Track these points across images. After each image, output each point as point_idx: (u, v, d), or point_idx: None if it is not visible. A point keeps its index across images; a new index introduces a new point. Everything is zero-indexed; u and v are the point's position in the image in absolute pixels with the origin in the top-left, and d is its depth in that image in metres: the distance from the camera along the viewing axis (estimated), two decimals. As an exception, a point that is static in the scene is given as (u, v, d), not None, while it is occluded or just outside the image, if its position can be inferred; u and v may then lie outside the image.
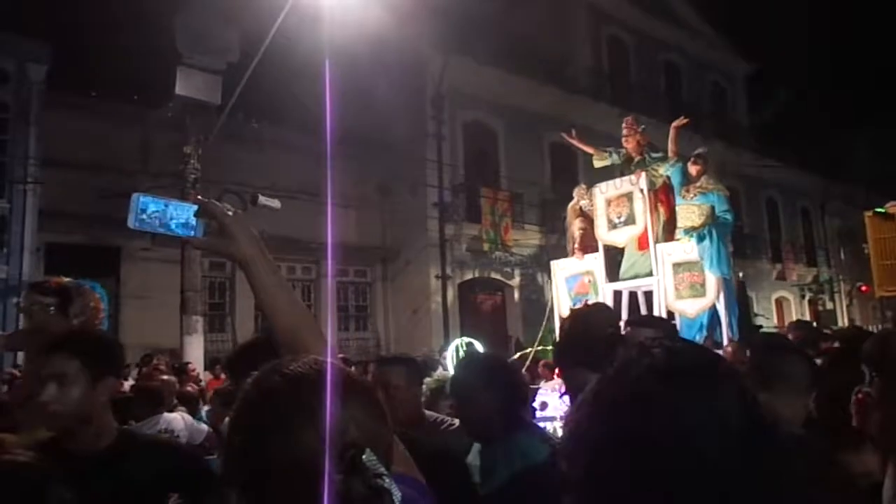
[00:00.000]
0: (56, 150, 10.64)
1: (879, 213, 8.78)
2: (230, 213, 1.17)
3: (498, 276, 15.34)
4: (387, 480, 0.72)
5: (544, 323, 8.32)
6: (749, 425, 0.62)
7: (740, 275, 16.61)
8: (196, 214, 1.17)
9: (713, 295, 6.46)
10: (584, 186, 8.10)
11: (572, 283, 7.89)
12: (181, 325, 10.03)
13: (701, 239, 6.49)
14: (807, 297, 22.07)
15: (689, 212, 6.82)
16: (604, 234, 7.41)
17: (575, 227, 7.96)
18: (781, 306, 21.80)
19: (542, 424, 4.50)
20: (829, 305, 22.55)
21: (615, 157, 7.46)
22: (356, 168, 13.18)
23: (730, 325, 6.44)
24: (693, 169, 7.05)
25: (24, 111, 10.73)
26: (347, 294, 14.96)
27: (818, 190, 24.05)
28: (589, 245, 7.72)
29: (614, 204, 7.31)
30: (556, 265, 8.21)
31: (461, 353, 7.10)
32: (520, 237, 15.14)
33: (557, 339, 2.53)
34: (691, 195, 6.93)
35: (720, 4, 23.77)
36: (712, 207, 6.79)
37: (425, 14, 13.82)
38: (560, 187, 13.40)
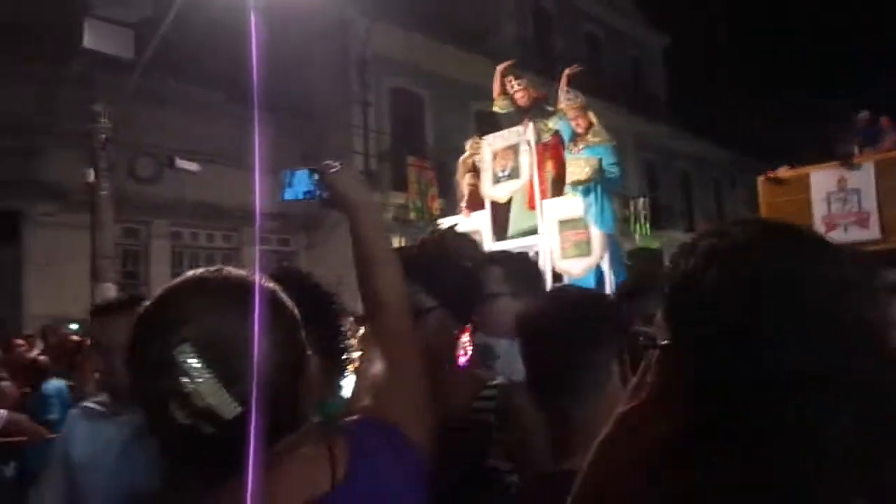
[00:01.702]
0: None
1: (771, 178, 9.34)
2: (334, 170, 1.26)
3: (424, 245, 15.35)
4: (186, 383, 0.83)
5: None
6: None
7: (657, 245, 17.33)
8: (311, 179, 1.28)
9: (598, 252, 6.10)
10: (477, 138, 7.48)
11: None
12: (92, 293, 9.56)
13: (586, 193, 6.14)
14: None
15: (577, 166, 6.39)
16: (488, 189, 6.94)
17: (465, 182, 7.42)
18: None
19: None
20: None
21: (509, 105, 7.05)
22: (280, 133, 12.81)
23: (613, 285, 5.95)
24: (578, 123, 6.51)
25: None
26: (270, 263, 14.62)
27: (728, 162, 25.25)
28: (478, 202, 7.16)
29: (500, 157, 6.90)
30: (443, 224, 7.69)
31: None
32: (446, 206, 15.19)
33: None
34: (578, 149, 6.46)
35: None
36: (599, 160, 6.29)
37: (351, -25, 13.47)
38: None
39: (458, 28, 16.06)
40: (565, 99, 6.64)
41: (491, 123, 7.96)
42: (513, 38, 18.26)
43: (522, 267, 2.17)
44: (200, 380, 0.83)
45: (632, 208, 18.97)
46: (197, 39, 9.95)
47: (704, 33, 29.30)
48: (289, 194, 1.30)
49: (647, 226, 18.37)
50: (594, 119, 6.51)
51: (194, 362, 0.83)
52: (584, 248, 6.18)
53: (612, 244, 6.20)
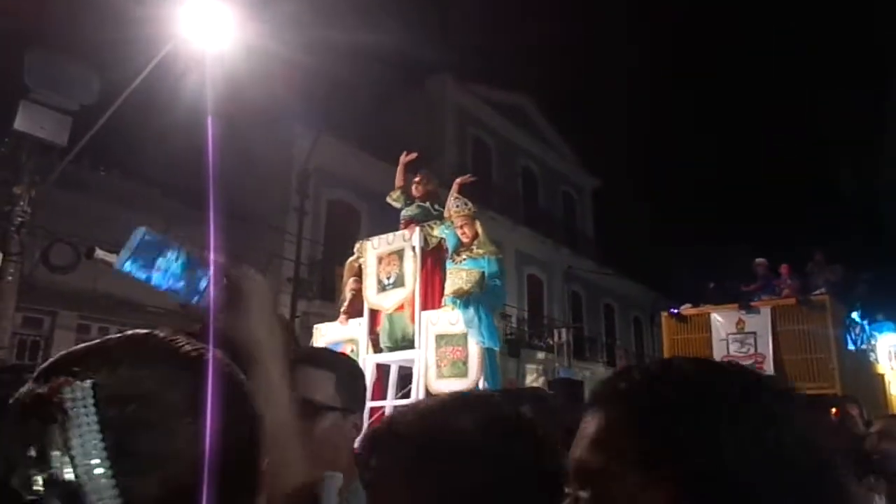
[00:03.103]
0: None
1: (674, 314, 9.67)
2: (252, 279, 0.93)
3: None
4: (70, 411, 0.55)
5: None
6: None
7: (580, 376, 17.46)
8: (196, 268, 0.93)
9: (475, 373, 5.47)
10: (365, 241, 6.82)
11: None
12: (-24, 386, 8.71)
13: (465, 306, 5.57)
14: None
15: (458, 277, 5.88)
16: (372, 297, 6.29)
17: (348, 287, 6.74)
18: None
19: None
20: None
21: (402, 197, 6.62)
22: (207, 233, 12.56)
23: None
24: (464, 232, 5.99)
25: None
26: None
27: (649, 300, 26.28)
28: (359, 308, 6.52)
29: (385, 262, 6.31)
30: (318, 330, 6.87)
31: None
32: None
33: None
34: (461, 258, 5.95)
35: (572, 120, 26.21)
36: (482, 273, 5.84)
37: (301, 93, 13.89)
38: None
39: (400, 150, 16.63)
40: (454, 206, 6.14)
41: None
42: (453, 164, 19.02)
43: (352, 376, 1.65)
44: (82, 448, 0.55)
45: (556, 338, 19.29)
46: (134, 133, 9.88)
47: (632, 180, 31.46)
48: (153, 278, 0.94)
49: (570, 357, 18.56)
50: (480, 230, 6.04)
51: (85, 418, 0.56)
52: (460, 368, 5.57)
53: (492, 363, 5.60)
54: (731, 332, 9.66)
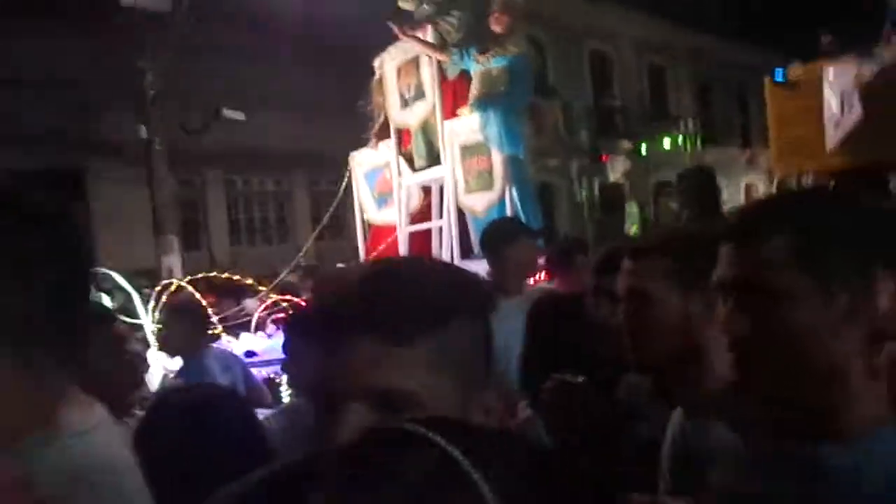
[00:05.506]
0: (2, 70, 10.12)
1: (779, 82, 7.32)
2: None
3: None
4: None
5: None
6: None
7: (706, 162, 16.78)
8: None
9: (500, 185, 4.91)
10: (383, 54, 5.85)
11: (373, 179, 6.17)
12: (156, 245, 9.97)
13: (483, 109, 4.90)
14: (775, 181, 22.35)
15: (486, 77, 5.02)
16: (396, 114, 5.63)
17: (376, 107, 5.98)
18: (750, 192, 22.19)
19: None
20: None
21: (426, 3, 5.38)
22: (325, 74, 12.76)
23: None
24: (497, 24, 4.95)
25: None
26: (320, 205, 14.90)
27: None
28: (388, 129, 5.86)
29: (404, 73, 5.53)
30: (353, 158, 6.33)
31: None
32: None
33: None
34: (489, 55, 5.00)
35: None
36: (508, 71, 4.97)
37: None
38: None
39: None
40: None
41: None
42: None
43: None
44: None
45: (682, 128, 18.37)
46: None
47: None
48: None
49: (698, 144, 17.63)
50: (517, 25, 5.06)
51: None
52: (486, 180, 5.02)
53: (517, 171, 4.94)
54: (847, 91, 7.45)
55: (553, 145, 16.13)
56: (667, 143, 17.92)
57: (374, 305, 0.68)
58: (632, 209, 17.19)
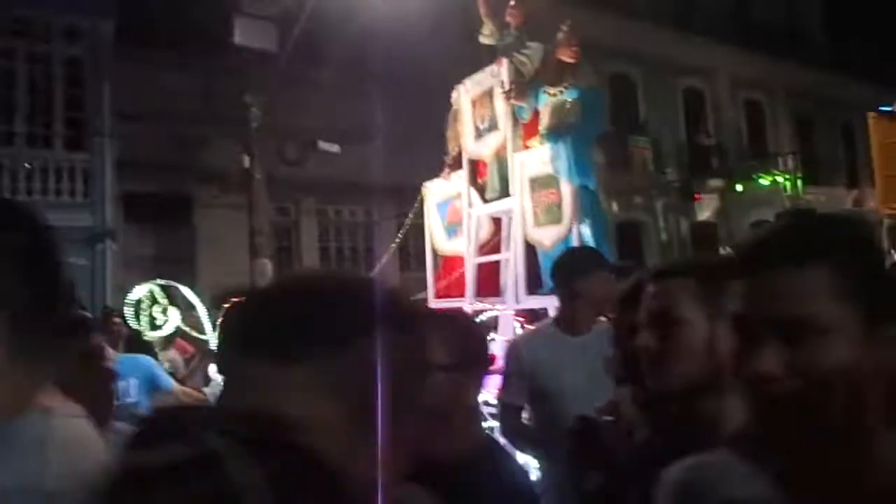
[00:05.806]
0: (127, 103, 11.13)
1: (885, 111, 7.08)
2: None
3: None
4: None
5: None
6: None
7: (808, 200, 16.03)
8: None
9: (569, 217, 4.78)
10: (458, 86, 6.04)
11: (444, 209, 6.21)
12: (251, 268, 10.54)
13: (555, 140, 4.85)
14: (885, 223, 20.99)
15: (558, 109, 5.02)
16: (470, 145, 5.73)
17: (451, 139, 6.07)
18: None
19: None
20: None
21: (506, 37, 5.48)
22: (413, 108, 13.22)
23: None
24: (565, 54, 5.02)
25: (96, 67, 11.24)
26: (407, 234, 15.22)
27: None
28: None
29: (478, 105, 5.62)
30: (427, 188, 6.44)
31: None
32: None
33: None
34: (561, 87, 5.09)
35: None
36: (581, 102, 4.96)
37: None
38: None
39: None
40: (561, 34, 5.12)
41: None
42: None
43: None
44: None
45: (780, 165, 17.64)
46: (329, 29, 10.53)
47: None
48: None
49: (798, 183, 16.88)
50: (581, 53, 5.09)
51: None
52: (555, 213, 4.91)
53: (588, 203, 4.80)
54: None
55: (640, 182, 15.90)
56: (764, 181, 17.25)
57: (258, 324, 0.66)
58: (724, 248, 16.59)
